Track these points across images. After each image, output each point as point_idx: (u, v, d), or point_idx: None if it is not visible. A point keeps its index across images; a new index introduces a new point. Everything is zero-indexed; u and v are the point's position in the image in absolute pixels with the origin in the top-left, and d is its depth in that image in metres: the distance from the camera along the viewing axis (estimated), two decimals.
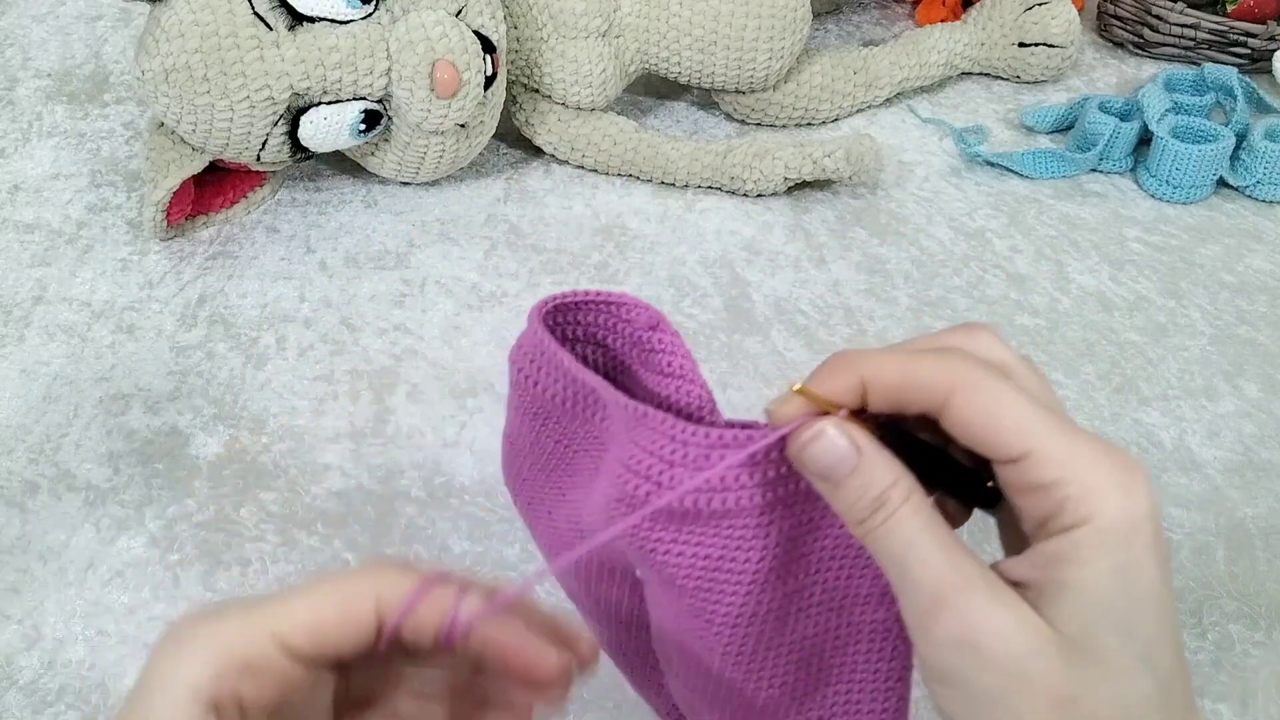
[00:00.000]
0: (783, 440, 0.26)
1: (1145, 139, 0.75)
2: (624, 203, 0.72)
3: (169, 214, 0.66)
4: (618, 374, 0.30)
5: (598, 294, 0.29)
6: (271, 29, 0.60)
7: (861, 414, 0.26)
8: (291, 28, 0.61)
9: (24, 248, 0.67)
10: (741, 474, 0.26)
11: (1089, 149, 0.75)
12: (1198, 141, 0.73)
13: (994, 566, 0.25)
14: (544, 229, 0.69)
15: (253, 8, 0.60)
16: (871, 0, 0.96)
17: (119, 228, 0.69)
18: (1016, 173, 0.75)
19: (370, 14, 0.63)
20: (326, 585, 0.25)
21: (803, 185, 0.73)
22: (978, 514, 0.28)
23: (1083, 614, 0.23)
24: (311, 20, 0.62)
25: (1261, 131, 0.73)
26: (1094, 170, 0.76)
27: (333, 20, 0.62)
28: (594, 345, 0.30)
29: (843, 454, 0.25)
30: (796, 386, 0.26)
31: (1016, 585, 0.24)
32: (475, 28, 0.64)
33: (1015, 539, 0.26)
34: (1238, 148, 0.74)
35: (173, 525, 0.51)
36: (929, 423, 0.27)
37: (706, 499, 0.26)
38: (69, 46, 0.87)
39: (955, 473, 0.27)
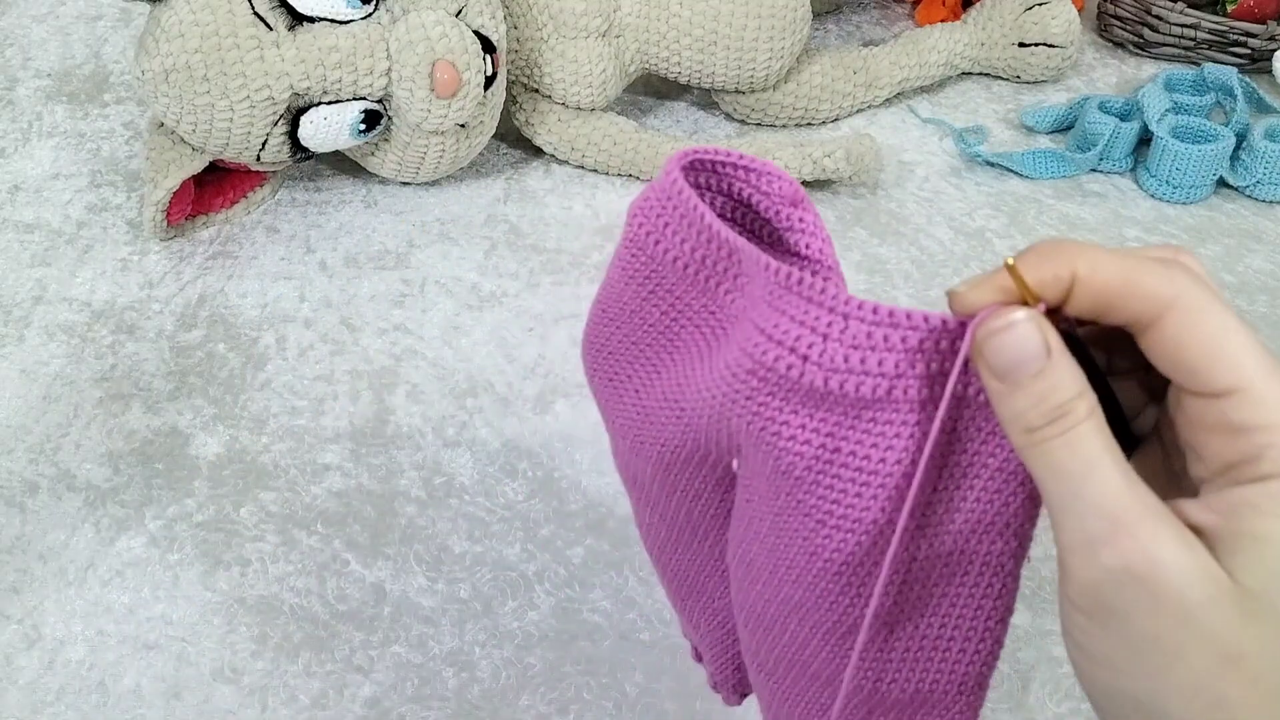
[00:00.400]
0: (962, 328, 0.23)
1: (1145, 139, 0.75)
2: (624, 203, 0.72)
3: (169, 214, 0.66)
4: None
5: (740, 156, 0.26)
6: (271, 29, 0.60)
7: (1053, 313, 0.24)
8: (291, 28, 0.61)
9: (24, 248, 0.67)
10: (901, 360, 0.23)
11: (1089, 149, 0.75)
12: (1198, 141, 0.73)
13: (1175, 503, 0.23)
14: (544, 229, 0.69)
15: (253, 8, 0.60)
16: (871, 0, 0.96)
17: (119, 228, 0.69)
18: (1016, 173, 0.75)
19: (370, 14, 0.63)
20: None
21: (803, 185, 0.73)
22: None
23: (1268, 568, 0.21)
24: (311, 20, 0.62)
25: (1261, 131, 0.73)
26: (1094, 170, 0.76)
27: (333, 20, 0.62)
28: (728, 213, 0.27)
29: (1034, 351, 0.23)
30: (1009, 260, 0.23)
31: (1192, 529, 0.22)
32: (475, 28, 0.64)
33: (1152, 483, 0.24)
34: (1238, 148, 0.74)
35: (173, 525, 0.51)
36: (1105, 339, 0.25)
37: (856, 383, 0.23)
38: (69, 46, 0.87)
39: (1109, 405, 0.25)
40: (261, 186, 0.71)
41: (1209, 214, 0.72)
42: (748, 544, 0.28)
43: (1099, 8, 0.92)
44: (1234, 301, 0.65)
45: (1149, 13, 0.87)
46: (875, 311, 0.23)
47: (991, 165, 0.76)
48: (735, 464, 0.29)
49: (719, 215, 0.27)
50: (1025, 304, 0.23)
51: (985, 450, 0.25)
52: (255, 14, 0.60)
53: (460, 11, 0.64)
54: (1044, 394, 0.23)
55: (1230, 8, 0.85)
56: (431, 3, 0.63)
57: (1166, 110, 0.75)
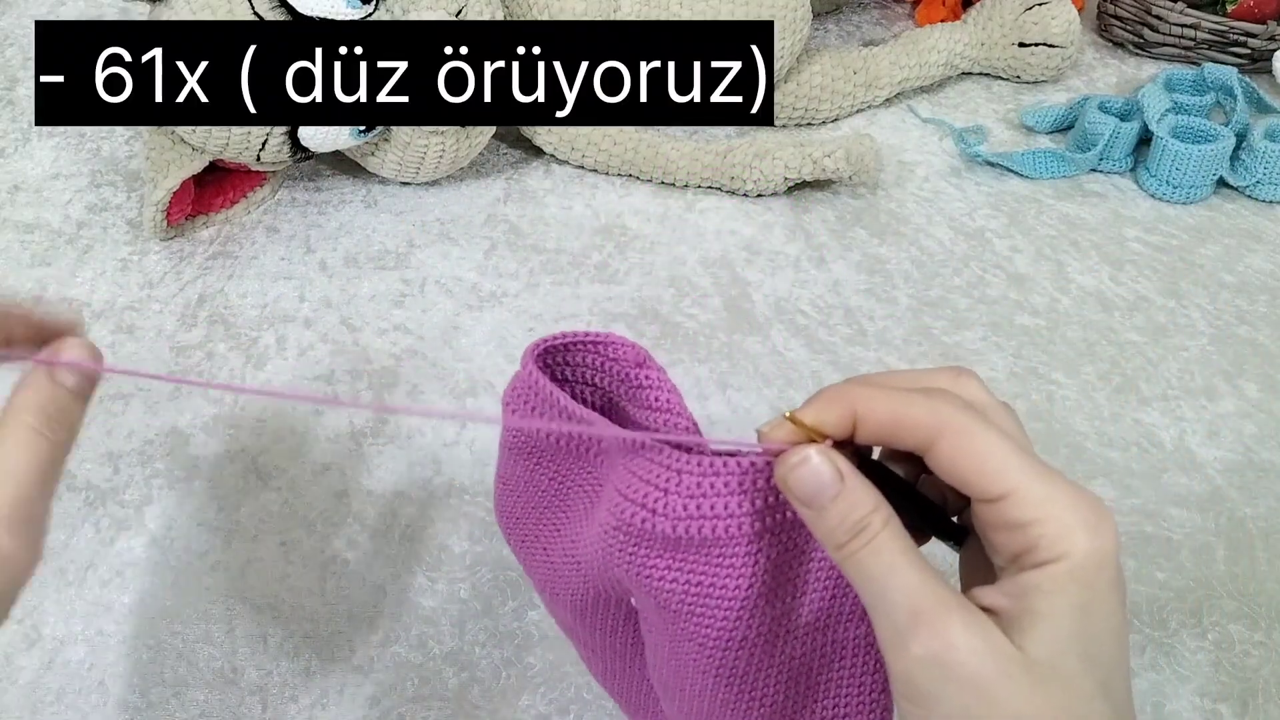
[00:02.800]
0: (769, 465, 0.27)
1: (1145, 139, 0.75)
2: (624, 203, 0.72)
3: (169, 214, 0.66)
4: (609, 411, 0.31)
5: (585, 335, 0.30)
6: None
7: (845, 445, 0.27)
8: None
9: (24, 248, 0.67)
10: (730, 502, 0.27)
11: (1089, 149, 0.75)
12: (1198, 141, 0.73)
13: (965, 594, 0.26)
14: (544, 229, 0.69)
15: (252, 8, 0.60)
16: (871, 0, 0.96)
17: (119, 228, 0.69)
18: (1016, 173, 0.75)
19: (370, 14, 0.63)
20: None
21: (803, 185, 0.73)
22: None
23: (1051, 640, 0.25)
24: (311, 20, 0.62)
25: (1261, 131, 0.73)
26: (1094, 170, 0.76)
27: (332, 20, 0.62)
28: (585, 385, 0.31)
29: (826, 480, 0.26)
30: (789, 414, 0.27)
31: (987, 611, 0.25)
32: None
33: (975, 572, 0.28)
34: (1238, 148, 0.74)
35: (173, 525, 0.51)
36: (902, 456, 0.29)
37: (698, 526, 0.27)
38: None
39: (922, 507, 0.29)
40: (261, 186, 0.71)
41: (1209, 214, 0.72)
42: (658, 667, 0.32)
43: (1099, 8, 0.92)
44: (1234, 302, 0.65)
45: (1149, 13, 0.87)
46: (701, 464, 0.27)
47: (991, 165, 0.76)
48: (633, 600, 0.32)
49: (585, 383, 0.31)
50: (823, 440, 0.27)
51: (821, 554, 0.28)
52: (255, 14, 0.60)
53: (460, 11, 0.64)
54: (844, 514, 0.26)
55: (1230, 8, 0.85)
56: (431, 2, 0.63)
57: (1166, 110, 0.75)
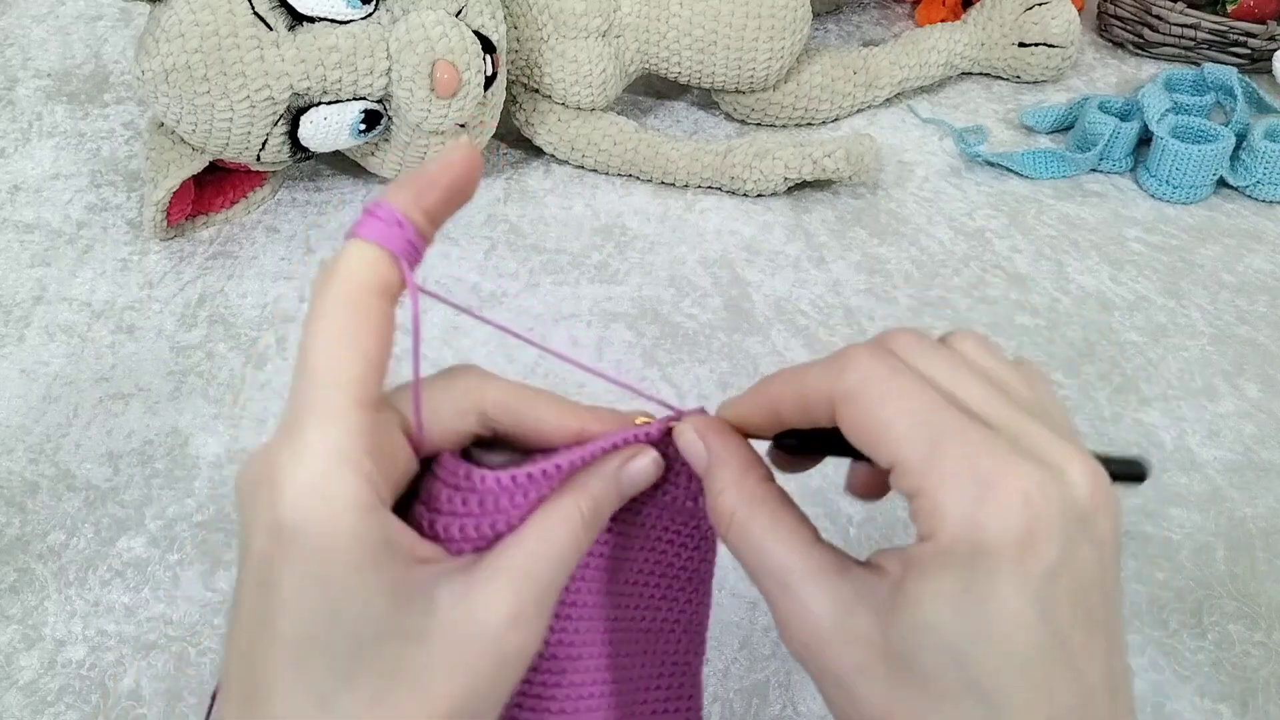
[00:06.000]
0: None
1: (1145, 139, 0.75)
2: (624, 203, 0.72)
3: (169, 214, 0.66)
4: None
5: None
6: (271, 29, 0.60)
7: (786, 437, 0.28)
8: (291, 28, 0.61)
9: (24, 248, 0.67)
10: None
11: (1089, 149, 0.75)
12: (1198, 141, 0.73)
13: (878, 554, 0.24)
14: (544, 229, 0.69)
15: (253, 8, 0.60)
16: (871, 0, 0.96)
17: (119, 228, 0.69)
18: (1016, 173, 0.75)
19: (370, 14, 0.63)
20: (335, 345, 0.24)
21: (803, 185, 0.73)
22: None
23: (912, 630, 0.22)
24: (311, 20, 0.62)
25: (1261, 131, 0.73)
26: (1094, 170, 0.76)
27: (333, 20, 0.62)
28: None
29: (697, 454, 0.27)
30: (641, 419, 0.28)
31: (878, 584, 0.23)
32: (475, 28, 0.64)
33: None
34: (1238, 148, 0.74)
35: (173, 525, 0.51)
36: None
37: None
38: (69, 46, 0.87)
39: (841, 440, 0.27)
40: (261, 186, 0.71)
41: (1209, 214, 0.72)
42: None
43: (1099, 8, 0.92)
44: (1234, 302, 0.65)
45: (1149, 13, 0.87)
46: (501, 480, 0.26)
47: (991, 165, 0.76)
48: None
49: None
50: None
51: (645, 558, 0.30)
52: (255, 14, 0.60)
53: (460, 11, 0.64)
54: (713, 491, 0.27)
55: (1230, 8, 0.85)
56: (431, 2, 0.63)
57: (1166, 110, 0.75)
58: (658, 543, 0.31)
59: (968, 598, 0.21)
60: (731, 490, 0.26)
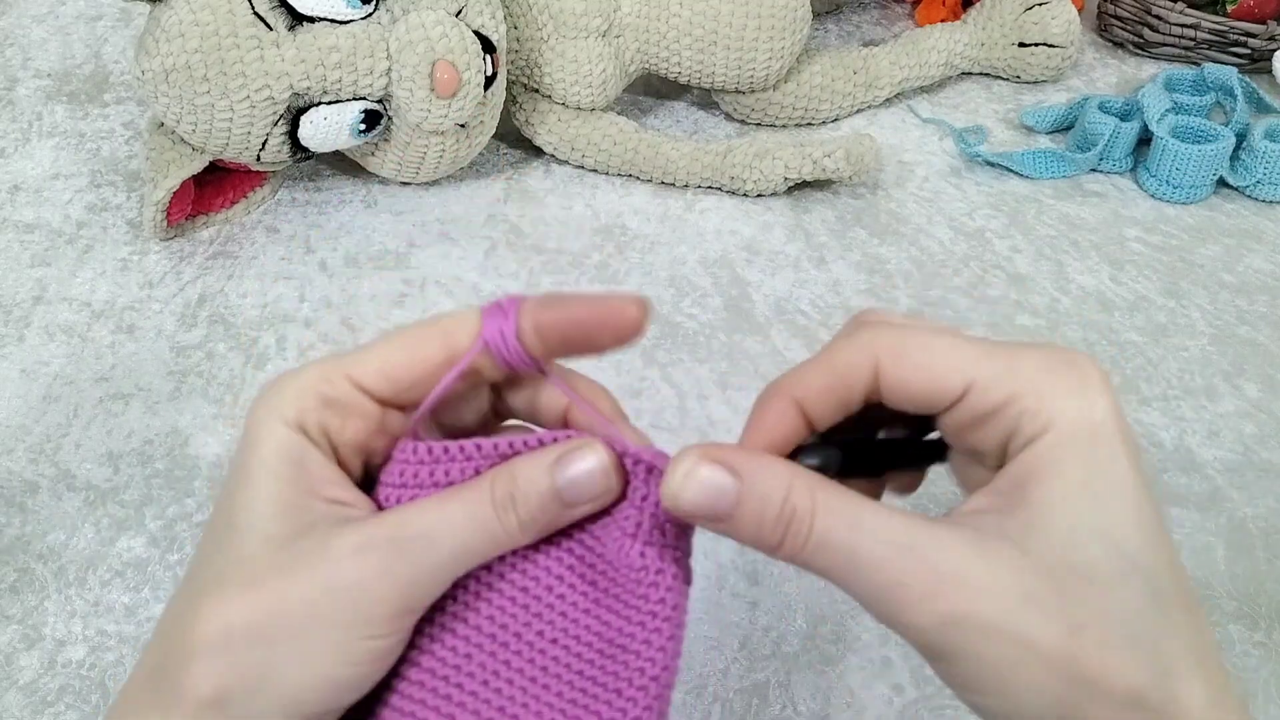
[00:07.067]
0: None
1: (1145, 139, 0.75)
2: (624, 203, 0.72)
3: (169, 214, 0.66)
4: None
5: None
6: (271, 29, 0.60)
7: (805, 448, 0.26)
8: (291, 28, 0.61)
9: (24, 248, 0.67)
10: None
11: (1089, 149, 0.75)
12: (1198, 141, 0.73)
13: (958, 510, 0.23)
14: (544, 229, 0.69)
15: (253, 8, 0.60)
16: (871, 0, 0.96)
17: (119, 228, 0.69)
18: (1016, 173, 0.75)
19: (370, 14, 0.63)
20: (397, 334, 0.26)
21: (803, 185, 0.73)
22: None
23: (1060, 531, 0.21)
24: (311, 20, 0.62)
25: (1261, 131, 0.73)
26: (1094, 170, 0.76)
27: (333, 20, 0.62)
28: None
29: (722, 483, 0.23)
30: (700, 450, 0.25)
31: (985, 518, 0.22)
32: (475, 28, 0.64)
33: (976, 484, 0.25)
34: (1238, 148, 0.74)
35: (173, 525, 0.51)
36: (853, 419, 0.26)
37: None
38: (69, 46, 0.87)
39: (895, 448, 0.27)
40: (261, 186, 0.71)
41: (1209, 214, 0.72)
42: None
43: (1099, 8, 0.92)
44: (1234, 302, 0.65)
45: (1149, 13, 0.87)
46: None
47: (991, 165, 0.76)
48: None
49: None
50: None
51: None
52: (255, 14, 0.60)
53: (460, 11, 0.64)
54: (759, 512, 0.23)
55: (1230, 8, 0.85)
56: (431, 2, 0.63)
57: (1166, 110, 0.75)
58: (595, 605, 0.26)
59: (1098, 476, 0.21)
60: (800, 492, 0.23)
